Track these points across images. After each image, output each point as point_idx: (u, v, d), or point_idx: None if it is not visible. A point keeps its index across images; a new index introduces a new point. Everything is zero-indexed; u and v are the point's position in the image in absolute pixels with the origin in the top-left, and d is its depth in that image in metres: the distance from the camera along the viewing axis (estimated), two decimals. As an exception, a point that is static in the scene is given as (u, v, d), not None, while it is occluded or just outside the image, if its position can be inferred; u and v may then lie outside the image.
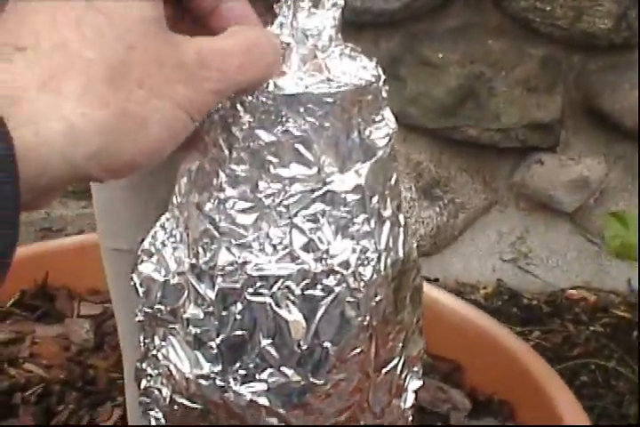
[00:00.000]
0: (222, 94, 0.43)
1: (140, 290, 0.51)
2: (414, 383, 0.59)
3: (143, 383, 0.56)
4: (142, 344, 0.55)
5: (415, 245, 0.53)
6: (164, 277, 0.50)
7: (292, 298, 0.47)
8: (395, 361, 0.54)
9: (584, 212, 1.67)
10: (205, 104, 0.42)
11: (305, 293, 0.47)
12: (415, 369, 0.59)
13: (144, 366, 0.55)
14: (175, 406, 0.53)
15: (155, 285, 0.50)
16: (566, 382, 1.01)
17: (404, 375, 0.56)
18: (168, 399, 0.53)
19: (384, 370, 0.53)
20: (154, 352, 0.54)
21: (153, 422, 0.56)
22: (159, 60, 0.40)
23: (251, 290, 0.48)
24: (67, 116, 0.37)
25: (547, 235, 1.71)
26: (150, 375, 0.55)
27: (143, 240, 0.53)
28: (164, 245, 0.51)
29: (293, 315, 0.48)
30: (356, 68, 0.48)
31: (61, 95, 0.37)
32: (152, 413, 0.56)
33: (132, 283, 0.52)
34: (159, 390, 0.54)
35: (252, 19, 0.48)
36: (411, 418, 0.61)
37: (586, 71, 1.58)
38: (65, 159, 0.37)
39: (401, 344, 0.54)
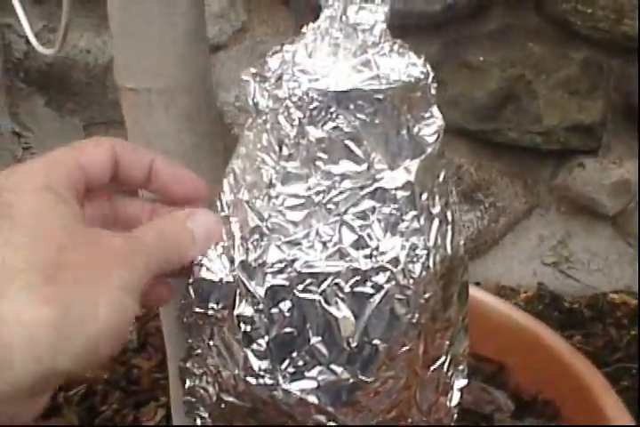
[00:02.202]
0: (152, 269, 0.45)
1: (192, 291, 0.51)
2: (460, 382, 0.59)
3: (188, 383, 0.56)
4: (187, 343, 0.55)
5: (462, 242, 0.53)
6: (217, 276, 0.50)
7: (341, 295, 0.47)
8: (442, 359, 0.54)
9: (625, 215, 1.66)
10: (140, 279, 0.44)
11: (354, 290, 0.47)
12: (460, 368, 0.59)
13: (188, 365, 0.55)
14: (222, 405, 0.53)
15: (206, 284, 0.51)
16: None
17: (450, 373, 0.56)
18: (215, 398, 0.54)
19: (432, 368, 0.53)
20: (199, 351, 0.54)
21: (198, 422, 0.56)
22: (89, 252, 0.42)
23: (300, 287, 0.48)
24: (17, 318, 0.39)
25: (588, 239, 1.70)
26: (195, 374, 0.55)
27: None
28: (215, 244, 0.51)
29: (343, 312, 0.48)
30: (405, 65, 0.48)
31: (8, 299, 0.39)
32: (198, 412, 0.56)
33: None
34: (205, 390, 0.54)
35: (187, 178, 0.52)
36: (455, 417, 0.61)
37: (626, 74, 1.57)
38: (25, 358, 0.39)
39: (448, 342, 0.54)
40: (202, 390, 0.55)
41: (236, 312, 0.50)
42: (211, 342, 0.52)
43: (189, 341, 0.54)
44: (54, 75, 1.66)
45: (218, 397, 0.53)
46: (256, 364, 0.50)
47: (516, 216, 1.70)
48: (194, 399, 0.56)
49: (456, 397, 0.59)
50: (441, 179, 0.50)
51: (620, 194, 1.62)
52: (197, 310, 0.51)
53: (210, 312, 0.51)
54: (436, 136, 0.49)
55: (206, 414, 0.55)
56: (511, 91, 1.58)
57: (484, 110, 1.59)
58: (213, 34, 1.55)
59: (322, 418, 0.50)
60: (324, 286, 0.47)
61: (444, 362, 0.54)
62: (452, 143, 1.64)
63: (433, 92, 0.49)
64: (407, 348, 0.49)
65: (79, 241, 0.42)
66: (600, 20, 1.50)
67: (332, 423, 0.50)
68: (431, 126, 0.49)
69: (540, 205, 1.70)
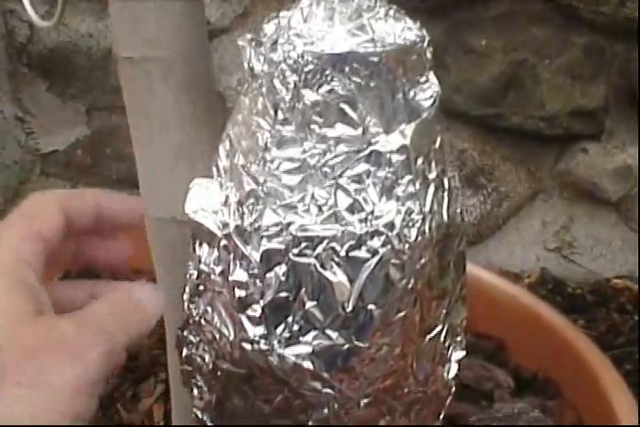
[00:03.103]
0: (110, 357, 0.43)
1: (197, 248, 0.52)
2: (458, 354, 0.59)
3: (185, 352, 0.56)
4: (186, 311, 0.55)
5: (460, 210, 0.53)
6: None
7: (336, 259, 0.47)
8: (438, 328, 0.54)
9: (628, 201, 1.66)
10: (96, 376, 0.42)
11: (350, 254, 0.47)
12: (458, 339, 0.58)
13: (186, 333, 0.55)
14: (218, 373, 0.53)
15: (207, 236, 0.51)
16: None
17: (447, 344, 0.56)
18: (211, 366, 0.53)
19: (428, 336, 0.53)
20: (197, 319, 0.54)
21: (195, 391, 0.56)
22: (35, 351, 0.41)
23: (295, 251, 0.47)
24: None
25: (591, 224, 1.70)
26: (192, 343, 0.55)
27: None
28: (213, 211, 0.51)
29: (338, 276, 0.47)
30: (400, 29, 0.47)
31: None
32: (194, 381, 0.56)
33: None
34: (201, 358, 0.54)
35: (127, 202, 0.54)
36: (453, 390, 0.60)
37: (629, 59, 1.56)
38: None
39: (445, 311, 0.54)
40: (198, 359, 0.54)
41: (231, 278, 0.50)
42: (209, 308, 0.52)
43: (191, 306, 0.54)
44: (57, 60, 1.66)
45: (214, 364, 0.53)
46: (251, 330, 0.50)
47: (519, 201, 1.70)
48: (190, 368, 0.56)
49: (454, 369, 0.59)
50: (437, 145, 0.50)
51: (622, 179, 1.62)
52: (202, 267, 0.51)
53: (212, 275, 0.51)
54: (431, 101, 0.49)
55: (202, 383, 0.55)
56: (514, 75, 1.58)
57: (486, 95, 1.60)
58: (216, 18, 1.55)
59: (317, 385, 0.50)
60: (319, 249, 0.47)
61: (440, 331, 0.54)
62: (455, 128, 1.65)
63: (429, 56, 0.49)
64: (402, 314, 0.49)
65: (24, 336, 0.41)
66: (602, 5, 1.50)
67: (327, 390, 0.50)
68: (427, 91, 0.49)
69: (544, 191, 1.70)
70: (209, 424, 0.57)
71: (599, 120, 1.60)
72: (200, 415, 0.57)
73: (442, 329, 0.54)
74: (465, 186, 1.67)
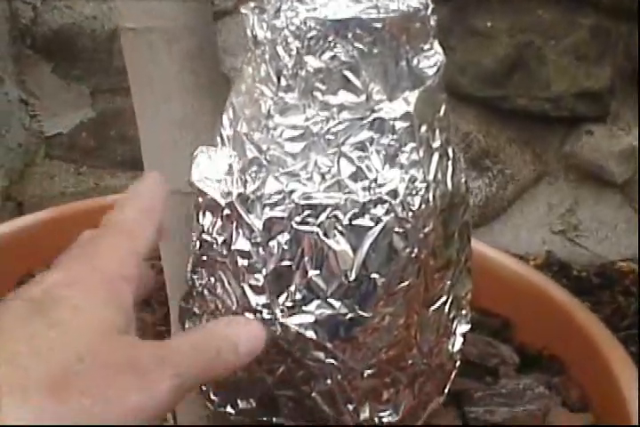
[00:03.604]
0: (179, 391, 0.42)
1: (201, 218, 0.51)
2: (462, 327, 0.58)
3: (187, 324, 0.56)
4: (189, 282, 0.55)
5: (464, 180, 0.53)
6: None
7: (339, 228, 0.47)
8: (443, 299, 0.53)
9: (634, 183, 1.66)
10: (161, 407, 0.42)
11: (353, 222, 0.47)
12: (463, 312, 0.58)
13: (189, 305, 0.55)
14: None
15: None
16: None
17: (451, 316, 0.56)
18: None
19: (432, 308, 0.53)
20: (200, 289, 0.53)
21: None
22: (110, 368, 0.40)
23: (298, 219, 0.47)
24: None
25: (596, 207, 1.70)
26: (195, 314, 0.55)
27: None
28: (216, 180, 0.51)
29: (341, 245, 0.47)
30: None
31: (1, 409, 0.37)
32: None
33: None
34: None
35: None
36: (458, 363, 0.60)
37: (634, 40, 1.56)
38: None
39: (449, 282, 0.53)
40: (201, 330, 0.54)
41: (234, 247, 0.49)
42: (212, 279, 0.52)
43: (194, 277, 0.54)
44: (61, 42, 1.67)
45: (217, 335, 0.53)
46: (253, 299, 0.49)
47: (525, 184, 1.70)
48: (193, 340, 0.56)
49: (459, 342, 0.59)
50: (441, 113, 0.49)
51: (628, 161, 1.62)
52: (205, 237, 0.51)
53: (214, 245, 0.51)
54: (435, 69, 0.48)
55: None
56: (520, 57, 1.58)
57: (492, 77, 1.60)
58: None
59: (320, 355, 0.50)
60: (322, 218, 0.47)
61: (445, 303, 0.54)
62: (461, 110, 1.65)
63: (432, 23, 0.48)
64: (406, 284, 0.49)
65: (105, 352, 0.41)
66: (608, -15, 1.50)
67: (330, 360, 0.50)
68: (431, 59, 0.49)
69: (549, 173, 1.70)
70: (212, 397, 0.57)
71: (605, 102, 1.60)
72: (204, 387, 0.56)
73: (446, 301, 0.54)
74: (470, 168, 1.67)
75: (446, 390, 0.60)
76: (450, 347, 0.58)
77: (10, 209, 1.68)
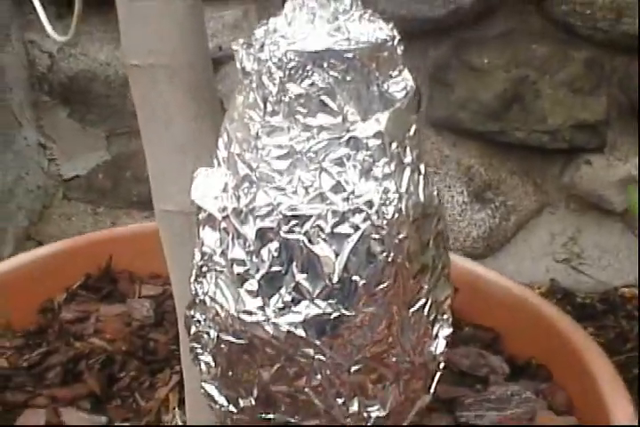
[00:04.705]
0: None
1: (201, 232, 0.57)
2: (445, 331, 0.64)
3: (193, 330, 0.62)
4: (192, 291, 0.60)
5: (436, 193, 0.58)
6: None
7: (322, 235, 0.53)
8: (422, 301, 0.59)
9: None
10: None
11: (334, 230, 0.53)
12: (445, 317, 0.64)
13: (193, 312, 0.61)
14: (222, 345, 0.59)
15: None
16: (619, 374, 1.05)
17: (431, 318, 0.61)
18: (215, 340, 0.59)
19: (412, 309, 0.58)
20: (202, 298, 0.59)
21: (203, 367, 0.62)
22: None
23: (285, 228, 0.53)
24: None
25: (598, 235, 1.73)
26: (199, 321, 0.61)
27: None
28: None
29: (324, 251, 0.53)
30: (373, 30, 0.53)
31: None
32: (202, 357, 0.62)
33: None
34: (207, 333, 0.60)
35: None
36: (442, 365, 0.65)
37: (628, 72, 1.60)
38: None
39: (427, 286, 0.59)
40: (205, 335, 0.60)
41: (230, 256, 0.55)
42: (213, 287, 0.58)
43: (197, 287, 0.59)
44: (76, 88, 1.72)
45: (218, 338, 0.58)
46: (249, 302, 0.55)
47: (527, 214, 1.73)
48: (198, 345, 0.61)
49: (442, 345, 0.64)
50: (412, 133, 0.55)
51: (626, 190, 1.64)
52: (204, 249, 0.57)
53: (214, 257, 0.57)
54: (404, 93, 0.54)
55: (210, 358, 0.61)
56: (516, 91, 1.61)
57: (491, 111, 1.63)
58: (227, 45, 1.60)
59: (310, 351, 0.55)
60: (307, 226, 0.53)
61: (424, 305, 0.59)
62: (462, 144, 1.68)
63: (399, 53, 0.54)
64: (385, 285, 0.55)
65: None
66: (599, 20, 1.54)
67: (319, 356, 0.56)
68: (399, 84, 0.54)
69: (550, 203, 1.73)
70: (217, 399, 0.62)
71: (601, 133, 1.64)
72: (207, 388, 0.62)
73: (425, 303, 0.59)
74: (474, 201, 1.71)
75: (432, 390, 0.65)
76: (432, 348, 0.63)
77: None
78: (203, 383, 0.62)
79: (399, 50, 0.55)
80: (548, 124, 1.62)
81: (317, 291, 0.54)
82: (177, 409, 0.79)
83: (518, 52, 1.61)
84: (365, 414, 0.59)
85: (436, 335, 0.63)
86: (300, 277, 0.54)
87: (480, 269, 0.95)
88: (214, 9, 1.59)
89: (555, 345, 0.84)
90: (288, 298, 0.54)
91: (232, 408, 0.61)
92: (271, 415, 0.60)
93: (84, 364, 0.83)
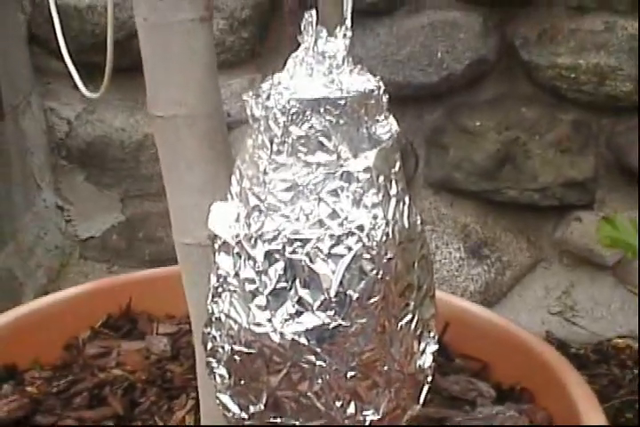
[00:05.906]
0: None
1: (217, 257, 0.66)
2: (431, 347, 0.72)
3: (209, 346, 0.70)
4: (209, 311, 0.69)
5: (420, 222, 0.67)
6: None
7: (321, 255, 0.62)
8: (408, 316, 0.67)
9: (624, 265, 1.76)
10: None
11: (331, 251, 0.62)
12: (431, 334, 0.72)
13: (209, 329, 0.69)
14: (235, 356, 0.67)
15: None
16: (612, 419, 1.13)
17: (418, 333, 0.69)
18: (229, 352, 0.67)
19: (400, 323, 0.67)
20: (218, 315, 0.68)
21: (218, 379, 0.70)
22: None
23: (290, 250, 0.62)
24: None
25: (591, 288, 1.80)
26: (215, 337, 0.69)
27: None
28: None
29: (323, 269, 0.62)
30: (362, 81, 0.64)
31: None
32: (217, 371, 0.70)
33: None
34: (222, 348, 0.68)
35: None
36: (430, 378, 0.74)
37: (615, 132, 1.69)
38: None
39: (413, 303, 0.67)
40: (220, 349, 0.68)
41: (242, 276, 0.64)
42: (227, 305, 0.66)
43: (213, 306, 0.68)
44: (93, 152, 1.82)
45: (231, 349, 0.67)
46: (259, 315, 0.64)
47: (522, 269, 1.80)
48: (214, 360, 0.70)
49: (429, 359, 0.72)
50: (397, 168, 0.65)
51: (616, 244, 1.71)
52: (219, 272, 0.66)
53: (228, 278, 0.65)
54: (389, 135, 0.64)
55: (224, 371, 0.69)
56: (508, 152, 1.70)
57: (484, 171, 1.72)
58: (235, 110, 1.70)
59: (312, 358, 0.64)
60: (308, 248, 0.62)
61: (411, 320, 0.68)
62: (459, 203, 1.76)
63: (384, 101, 0.64)
64: (375, 299, 0.63)
65: None
66: (584, 84, 1.63)
67: (320, 363, 0.64)
68: (385, 127, 0.64)
69: (544, 258, 1.81)
70: (229, 407, 0.70)
71: (590, 190, 1.73)
72: (222, 398, 0.70)
73: (412, 319, 0.68)
74: (470, 257, 1.78)
75: (421, 400, 0.73)
76: (420, 362, 0.71)
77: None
78: (217, 394, 0.70)
79: (384, 98, 0.64)
80: (538, 182, 1.70)
81: (317, 304, 0.63)
82: (193, 428, 0.88)
83: (509, 115, 1.70)
84: (361, 418, 0.68)
85: (424, 351, 0.71)
86: (303, 292, 0.63)
87: (466, 303, 1.04)
88: (223, 78, 1.69)
89: (536, 370, 0.92)
90: (292, 310, 0.63)
91: (244, 415, 0.69)
92: (278, 419, 0.68)
93: (108, 390, 0.91)
